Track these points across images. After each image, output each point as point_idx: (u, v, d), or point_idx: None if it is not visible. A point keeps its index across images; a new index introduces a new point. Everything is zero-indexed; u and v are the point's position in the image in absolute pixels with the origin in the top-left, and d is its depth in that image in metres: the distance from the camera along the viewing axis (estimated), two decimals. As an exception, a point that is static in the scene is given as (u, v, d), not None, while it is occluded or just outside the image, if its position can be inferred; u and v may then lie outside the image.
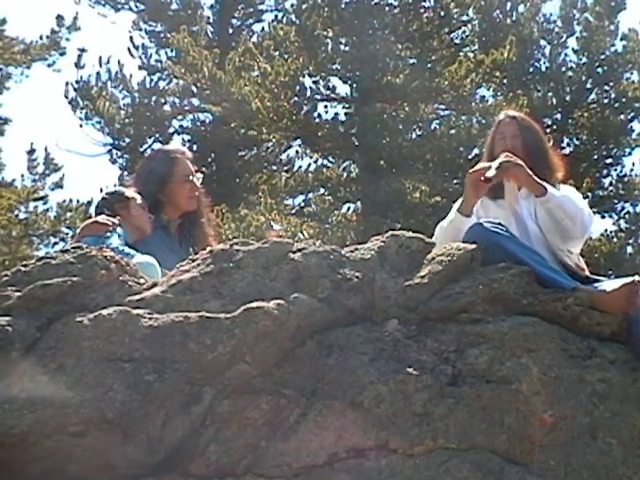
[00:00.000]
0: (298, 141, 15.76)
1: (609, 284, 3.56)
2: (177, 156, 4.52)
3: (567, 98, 14.81)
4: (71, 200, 17.26)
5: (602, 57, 14.76)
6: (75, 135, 29.93)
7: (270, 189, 15.03)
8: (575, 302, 3.38)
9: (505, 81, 14.71)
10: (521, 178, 3.88)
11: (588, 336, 3.37)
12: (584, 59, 14.82)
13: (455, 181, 14.17)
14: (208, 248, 3.40)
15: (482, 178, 3.81)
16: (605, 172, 15.35)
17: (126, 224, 4.13)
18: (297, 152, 16.76)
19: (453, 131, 14.39)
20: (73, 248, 3.28)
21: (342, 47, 14.38)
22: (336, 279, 3.25)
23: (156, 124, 16.81)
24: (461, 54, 14.77)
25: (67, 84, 16.25)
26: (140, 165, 4.98)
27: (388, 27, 14.35)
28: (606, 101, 14.95)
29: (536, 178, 3.86)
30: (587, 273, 3.92)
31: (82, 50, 16.64)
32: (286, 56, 14.06)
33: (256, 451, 2.93)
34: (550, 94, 14.81)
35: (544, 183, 3.87)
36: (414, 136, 14.69)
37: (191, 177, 4.47)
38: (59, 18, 18.07)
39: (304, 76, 14.34)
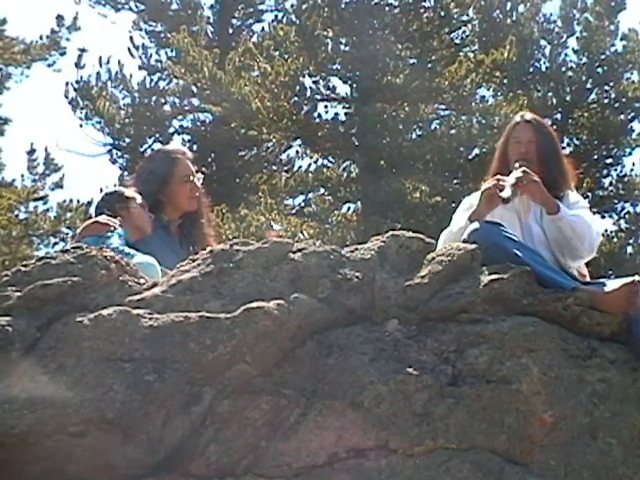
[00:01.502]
0: (298, 141, 15.75)
1: (609, 284, 3.56)
2: (177, 156, 4.52)
3: (567, 98, 14.82)
4: (71, 200, 17.24)
5: (602, 57, 14.77)
6: (75, 135, 29.87)
7: (270, 189, 15.03)
8: (575, 302, 3.38)
9: (505, 81, 14.71)
10: (536, 195, 3.88)
11: (588, 336, 3.37)
12: (584, 59, 14.83)
13: (455, 181, 14.17)
14: (208, 248, 3.40)
15: (498, 197, 3.81)
16: (605, 172, 15.36)
17: (126, 224, 4.12)
18: (297, 152, 16.75)
19: (453, 131, 14.38)
20: (73, 248, 3.28)
21: (342, 47, 14.38)
22: (336, 279, 3.25)
23: (156, 124, 16.79)
24: (461, 54, 14.78)
25: (67, 84, 16.26)
26: (140, 165, 4.99)
27: (388, 27, 14.34)
28: (606, 101, 14.96)
29: (550, 196, 3.87)
30: (588, 279, 3.92)
31: (82, 50, 16.65)
32: (286, 56, 14.06)
33: (256, 451, 2.93)
34: (550, 94, 14.81)
35: (557, 201, 3.88)
36: (414, 136, 14.68)
37: (191, 177, 4.47)
38: (59, 18, 18.04)
39: (304, 76, 14.34)
